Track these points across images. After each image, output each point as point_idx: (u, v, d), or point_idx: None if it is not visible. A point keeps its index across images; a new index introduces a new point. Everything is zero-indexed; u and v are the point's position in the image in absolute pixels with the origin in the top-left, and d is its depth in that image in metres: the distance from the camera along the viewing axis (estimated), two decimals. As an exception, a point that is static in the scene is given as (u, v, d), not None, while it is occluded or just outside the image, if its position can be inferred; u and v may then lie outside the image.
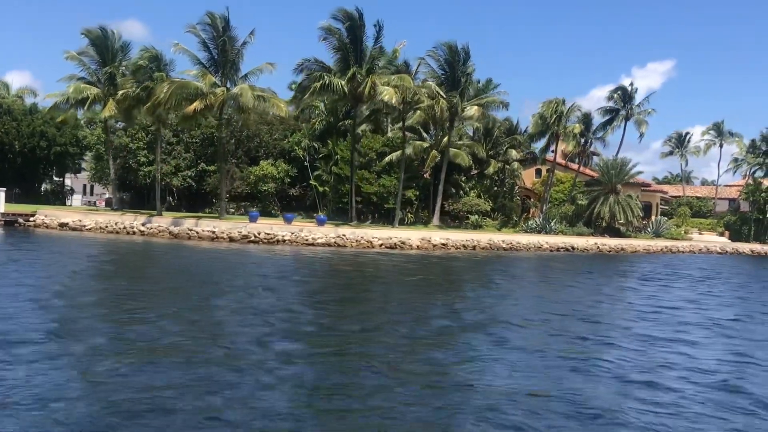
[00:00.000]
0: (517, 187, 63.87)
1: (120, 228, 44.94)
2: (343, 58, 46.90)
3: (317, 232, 44.47)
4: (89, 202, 73.04)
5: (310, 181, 62.61)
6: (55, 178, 72.58)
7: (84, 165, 74.13)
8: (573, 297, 23.88)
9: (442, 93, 51.03)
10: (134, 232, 44.49)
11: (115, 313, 16.31)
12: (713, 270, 41.19)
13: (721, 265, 46.32)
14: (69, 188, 75.13)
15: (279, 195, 64.53)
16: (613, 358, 13.76)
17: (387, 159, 56.17)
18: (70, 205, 67.86)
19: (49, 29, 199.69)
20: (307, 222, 50.38)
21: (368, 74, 46.12)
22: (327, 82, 44.97)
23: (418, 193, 58.65)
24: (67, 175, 75.92)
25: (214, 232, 43.70)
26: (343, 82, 45.24)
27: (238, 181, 63.24)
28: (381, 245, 44.24)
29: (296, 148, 63.48)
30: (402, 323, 16.78)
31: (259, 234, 43.47)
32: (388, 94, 45.08)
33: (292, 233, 43.92)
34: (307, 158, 62.96)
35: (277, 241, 43.10)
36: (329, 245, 43.22)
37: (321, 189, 62.15)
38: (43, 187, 72.06)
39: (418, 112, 53.78)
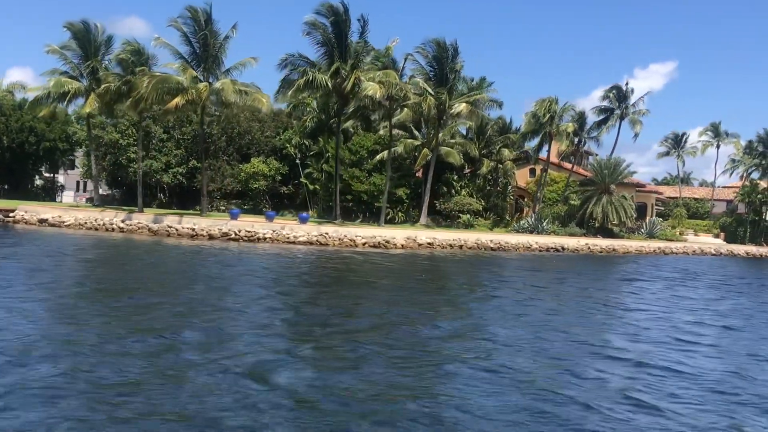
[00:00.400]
0: (510, 187, 63.00)
1: (99, 224, 44.36)
2: (327, 54, 46.19)
3: (299, 230, 43.83)
4: (96, 199, 72.47)
5: (301, 179, 62.00)
6: (45, 174, 72.12)
7: (77, 162, 73.84)
8: (528, 299, 22.90)
9: (430, 89, 50.33)
10: (113, 229, 43.88)
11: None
12: (700, 272, 40.29)
13: (711, 266, 45.33)
14: (60, 184, 74.67)
15: (270, 193, 63.93)
16: (518, 365, 12.89)
17: (378, 157, 55.59)
18: (60, 202, 67.40)
19: (50, 26, 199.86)
20: (294, 220, 49.67)
21: (353, 69, 45.40)
22: (311, 77, 44.28)
23: (409, 191, 57.93)
24: (61, 171, 75.53)
25: (194, 230, 43.11)
26: (326, 78, 44.51)
27: (229, 178, 62.71)
28: (364, 244, 43.54)
29: (287, 145, 62.89)
30: (302, 324, 16.11)
31: (239, 232, 42.86)
32: (372, 89, 44.32)
33: (274, 231, 43.29)
34: (299, 156, 62.34)
35: (258, 239, 42.46)
36: (311, 243, 42.58)
37: (312, 187, 61.56)
38: (37, 182, 71.72)
39: (406, 109, 52.99)
